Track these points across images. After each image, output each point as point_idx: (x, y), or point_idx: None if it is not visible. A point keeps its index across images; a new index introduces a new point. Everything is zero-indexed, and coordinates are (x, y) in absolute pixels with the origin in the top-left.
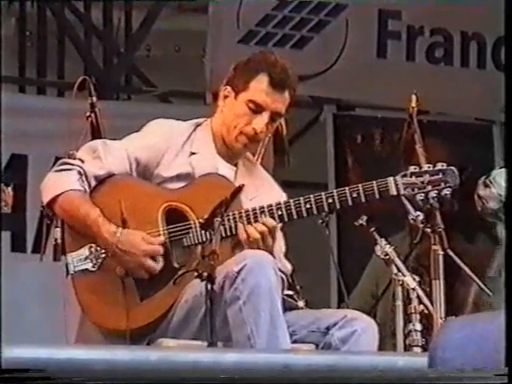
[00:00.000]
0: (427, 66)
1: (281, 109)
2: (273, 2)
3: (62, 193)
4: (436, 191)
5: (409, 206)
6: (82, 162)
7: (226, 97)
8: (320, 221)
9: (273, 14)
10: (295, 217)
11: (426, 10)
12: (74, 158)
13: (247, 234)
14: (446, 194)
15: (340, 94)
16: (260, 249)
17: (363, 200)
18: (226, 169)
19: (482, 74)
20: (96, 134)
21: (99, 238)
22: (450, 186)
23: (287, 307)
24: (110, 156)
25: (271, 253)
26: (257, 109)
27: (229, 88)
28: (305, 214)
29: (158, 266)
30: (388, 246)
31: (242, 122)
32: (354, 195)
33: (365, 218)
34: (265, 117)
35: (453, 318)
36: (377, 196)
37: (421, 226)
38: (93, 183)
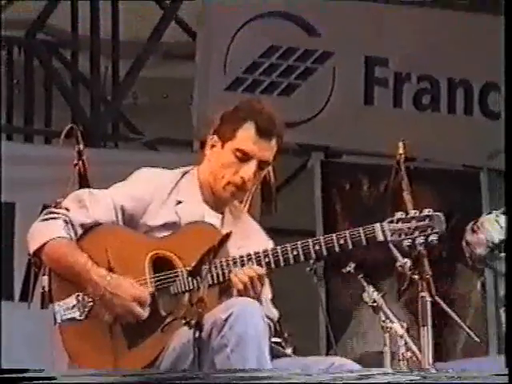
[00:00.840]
0: (414, 112)
1: (268, 157)
2: (260, 50)
3: (49, 241)
4: (423, 237)
5: (396, 253)
6: (68, 210)
7: (212, 146)
8: (308, 268)
9: (260, 61)
10: (282, 264)
11: (413, 57)
12: (60, 207)
13: (237, 278)
14: (432, 240)
15: (327, 140)
16: (249, 295)
17: (350, 246)
18: (212, 217)
19: (469, 120)
20: (83, 181)
21: (88, 283)
22: (436, 232)
23: (275, 355)
24: (96, 205)
25: (259, 299)
26: (244, 157)
27: (215, 137)
28: (292, 261)
29: (145, 313)
30: (376, 292)
31: (230, 172)
32: (341, 242)
33: (353, 265)
34: (252, 165)
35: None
36: (364, 242)
37: (408, 272)
38: (79, 231)
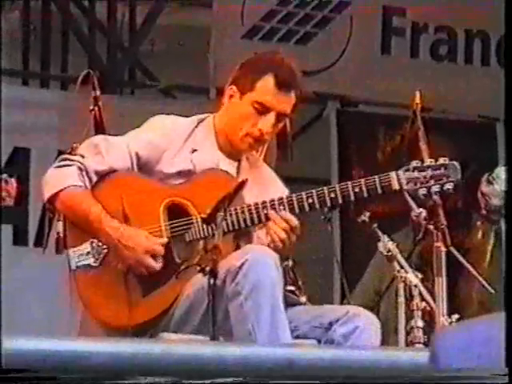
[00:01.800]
0: (431, 63)
1: (287, 109)
2: None
3: (63, 188)
4: (438, 186)
5: (411, 203)
6: (83, 157)
7: (231, 96)
8: (322, 217)
9: (277, 10)
10: (297, 211)
11: (431, 7)
12: (76, 153)
13: (272, 230)
14: (448, 189)
15: (344, 90)
16: (283, 244)
17: (365, 195)
18: (227, 165)
19: (485, 71)
20: (99, 127)
21: (101, 233)
22: (452, 181)
23: (289, 303)
24: (111, 152)
25: (292, 249)
26: (263, 110)
27: (234, 87)
28: (307, 209)
29: (157, 265)
30: (391, 242)
31: (248, 124)
32: (357, 190)
33: (367, 214)
34: (271, 118)
35: (451, 325)
36: (379, 191)
37: (423, 222)
38: (94, 179)
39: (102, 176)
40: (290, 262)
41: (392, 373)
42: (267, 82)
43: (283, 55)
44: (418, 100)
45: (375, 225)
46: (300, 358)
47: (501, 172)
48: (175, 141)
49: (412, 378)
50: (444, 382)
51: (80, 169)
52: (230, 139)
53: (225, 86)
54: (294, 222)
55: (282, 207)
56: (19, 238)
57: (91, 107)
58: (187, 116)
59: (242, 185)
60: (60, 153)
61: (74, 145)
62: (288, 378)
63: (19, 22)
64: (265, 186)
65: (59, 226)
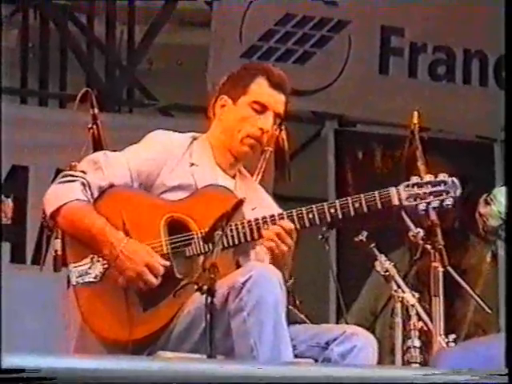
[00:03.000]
0: (429, 82)
1: (282, 110)
2: (276, 18)
3: (66, 203)
4: (438, 201)
5: (409, 223)
6: (84, 173)
7: (223, 106)
8: (320, 236)
9: (275, 29)
10: (298, 226)
11: (429, 27)
12: (76, 170)
13: (267, 235)
14: (447, 205)
15: (342, 109)
16: (281, 250)
17: (365, 210)
18: (226, 180)
19: (484, 91)
20: (97, 145)
21: (105, 245)
22: (451, 197)
23: (292, 320)
24: (111, 167)
25: (288, 256)
26: (261, 109)
27: (225, 97)
28: (307, 225)
29: (156, 281)
30: (388, 262)
31: (248, 124)
32: (357, 205)
33: (365, 233)
34: (269, 116)
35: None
36: (379, 206)
37: (421, 242)
38: (96, 194)
39: (102, 191)
40: (292, 281)
41: None
42: (261, 83)
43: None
44: (415, 120)
45: (373, 244)
46: (297, 377)
47: (498, 193)
48: (174, 154)
49: (412, 378)
50: (444, 382)
51: (83, 184)
52: (228, 146)
53: (212, 101)
54: (289, 225)
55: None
56: (17, 256)
57: (89, 125)
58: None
59: (240, 203)
60: (58, 171)
61: (73, 163)
62: None
63: (18, 41)
64: (261, 203)
65: (57, 244)
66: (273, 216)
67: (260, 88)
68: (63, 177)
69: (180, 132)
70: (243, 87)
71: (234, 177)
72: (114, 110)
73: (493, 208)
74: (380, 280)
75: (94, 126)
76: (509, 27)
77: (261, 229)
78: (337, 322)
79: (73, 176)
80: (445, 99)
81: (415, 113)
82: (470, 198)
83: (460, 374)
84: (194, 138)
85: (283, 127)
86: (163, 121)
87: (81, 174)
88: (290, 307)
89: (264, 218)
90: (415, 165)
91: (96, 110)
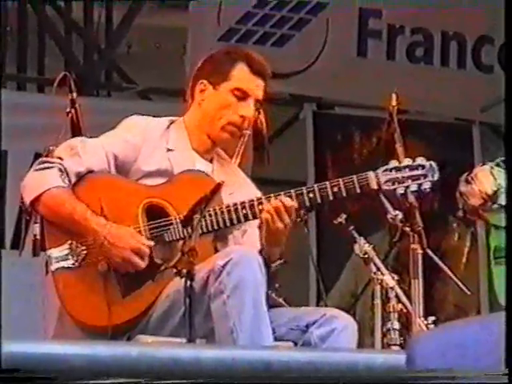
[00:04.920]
0: (407, 65)
1: (262, 96)
2: (254, 0)
3: (45, 190)
4: (416, 185)
5: (387, 205)
6: (61, 159)
7: (202, 90)
8: (299, 219)
9: (253, 12)
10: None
11: (407, 9)
12: (53, 155)
13: (264, 210)
14: (425, 189)
15: (320, 92)
16: (277, 226)
17: (344, 194)
18: (203, 165)
19: (462, 73)
20: (76, 129)
21: (87, 232)
22: (429, 181)
23: (271, 304)
24: (89, 153)
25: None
26: (242, 96)
27: (205, 81)
28: None
29: (143, 263)
30: (367, 244)
31: (229, 112)
32: (335, 189)
33: (344, 216)
34: (251, 103)
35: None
36: (358, 190)
37: (400, 224)
38: (73, 180)
39: (80, 177)
40: (281, 261)
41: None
42: (242, 69)
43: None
44: (394, 102)
45: (352, 227)
46: (277, 360)
47: (479, 172)
48: (150, 139)
49: (409, 379)
50: (443, 382)
51: (60, 170)
52: (208, 132)
53: (190, 83)
54: (289, 202)
55: (260, 207)
56: None
57: (68, 109)
58: (163, 117)
59: (218, 187)
60: (37, 155)
61: (51, 147)
62: (265, 380)
63: None
64: (239, 187)
65: (36, 229)
66: (251, 201)
67: (241, 74)
68: (40, 163)
69: (159, 115)
70: (224, 73)
71: (211, 161)
72: (92, 94)
73: (474, 187)
74: (359, 263)
75: (73, 110)
76: (509, 26)
77: (239, 214)
78: (317, 305)
79: (50, 162)
80: (423, 81)
81: (393, 95)
82: (449, 179)
83: (460, 374)
84: (172, 122)
85: (261, 110)
86: (142, 104)
87: (57, 161)
88: (270, 292)
89: (242, 202)
90: (393, 147)
91: (74, 94)
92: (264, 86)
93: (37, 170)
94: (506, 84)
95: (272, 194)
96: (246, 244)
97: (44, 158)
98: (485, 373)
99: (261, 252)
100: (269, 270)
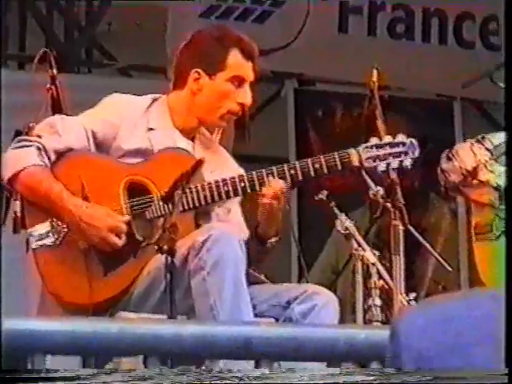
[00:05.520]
0: (388, 41)
1: (254, 78)
2: None
3: (23, 169)
4: (397, 162)
5: (369, 181)
6: (40, 137)
7: (196, 79)
8: None
9: None
10: (258, 189)
11: None
12: (33, 132)
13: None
14: (406, 166)
15: (301, 68)
16: (272, 205)
17: (325, 171)
18: (184, 143)
19: (443, 49)
20: (56, 106)
21: (63, 212)
22: (410, 158)
23: (251, 281)
24: (68, 131)
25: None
26: (239, 83)
27: (200, 70)
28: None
29: (120, 241)
30: (348, 220)
31: (228, 101)
32: (317, 166)
33: (325, 192)
34: (247, 89)
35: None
36: (339, 167)
37: (381, 201)
38: (52, 158)
39: (59, 156)
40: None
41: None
42: (236, 56)
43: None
44: (375, 78)
45: (333, 203)
46: (257, 336)
47: (460, 149)
48: (131, 118)
49: (409, 379)
50: (443, 383)
51: (39, 148)
52: (204, 119)
53: (180, 68)
54: (284, 184)
55: (242, 184)
56: None
57: (48, 86)
58: (144, 95)
59: (199, 163)
60: (17, 132)
61: (31, 124)
62: (245, 356)
63: None
64: (221, 164)
65: (16, 206)
66: (233, 178)
67: (236, 61)
68: (18, 141)
69: (139, 92)
70: (219, 62)
71: (193, 139)
72: (72, 71)
73: (455, 164)
74: (341, 239)
75: (53, 87)
76: (509, 25)
77: (221, 191)
78: (298, 282)
79: (28, 141)
80: (404, 57)
81: (374, 71)
82: (431, 156)
83: (459, 374)
84: (154, 100)
85: None
86: (122, 81)
87: (36, 139)
88: (251, 269)
89: (224, 179)
90: (375, 124)
91: (55, 71)
92: (253, 66)
93: (15, 147)
94: (506, 84)
95: (254, 171)
96: (231, 222)
97: (23, 136)
98: (485, 373)
99: (256, 228)
100: (264, 246)
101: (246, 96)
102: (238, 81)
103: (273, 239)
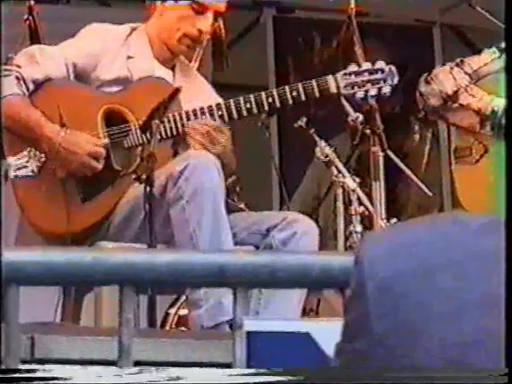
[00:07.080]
0: None
1: (222, 8)
2: None
3: (1, 98)
4: (376, 89)
5: (348, 108)
6: (19, 67)
7: (163, 1)
8: (260, 124)
9: None
10: (236, 116)
11: None
12: (11, 64)
13: (193, 131)
14: (385, 93)
15: None
16: (208, 148)
17: (303, 98)
18: (163, 72)
19: None
20: (34, 37)
21: (42, 139)
22: (389, 85)
23: (229, 209)
24: (47, 60)
25: (219, 151)
26: (200, 9)
27: None
28: (245, 114)
29: (99, 165)
30: (328, 147)
31: (186, 24)
32: (294, 94)
33: (304, 119)
34: (209, 17)
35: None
36: (317, 94)
37: (360, 127)
38: (31, 87)
39: (38, 85)
40: (233, 178)
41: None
42: None
43: None
44: (352, 4)
45: (312, 130)
46: (232, 264)
47: (439, 72)
48: (110, 48)
49: (409, 380)
50: (442, 382)
51: (17, 78)
52: (166, 42)
53: None
54: (212, 122)
55: (220, 112)
56: None
57: (26, 16)
58: (123, 24)
59: (176, 92)
60: None
61: (9, 55)
62: (220, 284)
63: None
64: (199, 93)
65: None
66: (210, 106)
67: None
68: None
69: (118, 22)
70: None
71: (172, 68)
72: (50, 1)
73: (433, 87)
74: (321, 166)
75: (31, 18)
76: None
77: (199, 120)
78: (280, 210)
79: (7, 70)
80: None
81: None
82: (410, 81)
83: (459, 374)
84: (133, 29)
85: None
86: (101, 11)
87: (15, 68)
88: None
89: (202, 108)
90: (353, 50)
91: (32, 2)
92: None
93: None
94: (507, 84)
95: (232, 99)
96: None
97: (1, 66)
98: (486, 373)
99: None
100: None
101: (205, 23)
102: (199, 7)
103: (229, 180)
